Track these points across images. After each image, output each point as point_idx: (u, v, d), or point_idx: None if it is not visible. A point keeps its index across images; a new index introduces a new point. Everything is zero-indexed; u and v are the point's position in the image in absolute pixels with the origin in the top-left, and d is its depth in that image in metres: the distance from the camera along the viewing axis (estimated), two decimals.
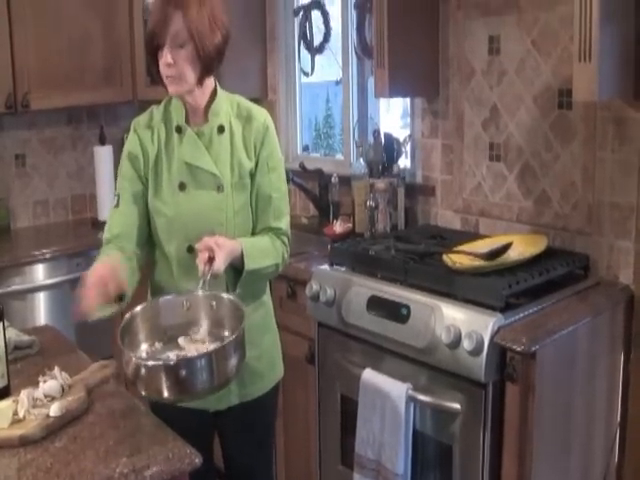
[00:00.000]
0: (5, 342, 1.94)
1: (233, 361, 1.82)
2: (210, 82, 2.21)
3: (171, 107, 2.24)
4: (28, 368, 2.15)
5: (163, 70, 2.09)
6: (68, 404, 1.84)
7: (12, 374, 1.99)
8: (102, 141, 4.25)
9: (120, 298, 2.02)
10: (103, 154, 4.14)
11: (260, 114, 2.27)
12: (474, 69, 3.08)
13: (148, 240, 2.26)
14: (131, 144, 2.24)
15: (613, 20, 2.29)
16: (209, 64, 2.12)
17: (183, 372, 1.72)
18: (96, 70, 4.03)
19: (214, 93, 2.23)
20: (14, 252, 3.75)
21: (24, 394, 1.84)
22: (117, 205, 2.22)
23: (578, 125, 2.74)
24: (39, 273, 3.65)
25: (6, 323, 1.98)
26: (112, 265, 1.97)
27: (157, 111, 2.26)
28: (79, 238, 3.96)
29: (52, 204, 4.33)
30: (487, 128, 3.05)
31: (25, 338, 2.30)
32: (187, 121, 2.21)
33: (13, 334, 2.27)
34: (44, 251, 3.67)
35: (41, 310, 3.64)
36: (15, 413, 1.79)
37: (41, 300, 3.64)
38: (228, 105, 2.24)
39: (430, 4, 3.16)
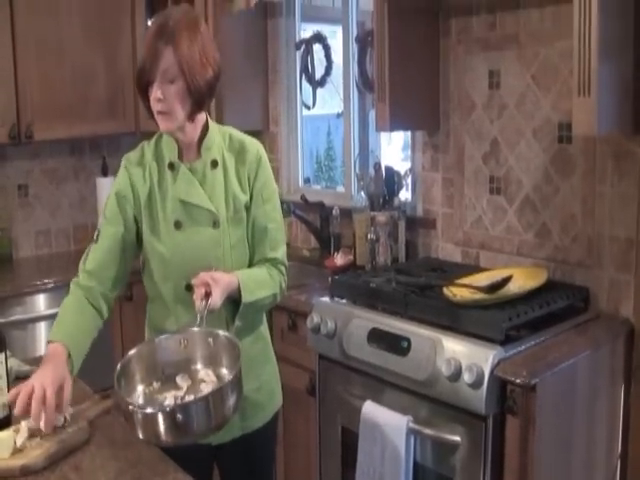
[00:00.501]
0: (7, 372, 1.94)
1: (231, 401, 1.80)
2: (201, 116, 2.18)
3: (162, 143, 2.21)
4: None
5: (153, 106, 2.06)
6: (68, 436, 1.84)
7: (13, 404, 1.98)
8: (104, 172, 4.28)
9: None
10: (105, 185, 4.15)
11: (252, 146, 2.24)
12: (474, 103, 3.11)
13: (124, 282, 2.23)
14: (121, 183, 2.20)
15: (611, 55, 2.32)
16: (200, 100, 2.09)
17: (180, 417, 1.70)
18: (99, 102, 4.05)
19: (205, 127, 2.20)
20: (16, 282, 3.75)
21: (25, 424, 1.84)
22: (96, 241, 2.18)
23: (578, 159, 2.76)
24: (40, 303, 3.64)
25: (8, 353, 1.98)
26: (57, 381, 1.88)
27: (148, 148, 2.23)
28: None
29: (54, 234, 4.34)
30: (487, 162, 3.08)
31: (26, 368, 2.29)
32: (179, 157, 2.19)
33: (15, 364, 2.27)
34: (46, 281, 3.66)
35: (42, 340, 3.62)
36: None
37: (42, 330, 3.63)
38: (220, 138, 2.22)
39: (431, 39, 3.20)
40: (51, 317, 3.59)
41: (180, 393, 1.87)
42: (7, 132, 3.72)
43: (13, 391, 1.84)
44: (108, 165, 4.28)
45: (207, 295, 1.98)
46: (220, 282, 2.01)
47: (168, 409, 1.75)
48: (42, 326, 3.63)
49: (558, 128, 2.82)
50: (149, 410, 1.77)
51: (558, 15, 2.77)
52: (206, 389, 1.85)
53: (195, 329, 1.97)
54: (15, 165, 4.16)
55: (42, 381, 1.82)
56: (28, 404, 1.79)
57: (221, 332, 1.98)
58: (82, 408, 1.99)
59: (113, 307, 2.24)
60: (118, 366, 1.88)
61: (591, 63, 2.25)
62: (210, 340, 1.97)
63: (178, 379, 1.92)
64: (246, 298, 2.10)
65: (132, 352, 1.95)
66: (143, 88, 2.07)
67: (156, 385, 1.94)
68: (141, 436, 1.76)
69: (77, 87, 3.96)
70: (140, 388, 1.93)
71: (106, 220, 2.19)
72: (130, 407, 1.76)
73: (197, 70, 2.05)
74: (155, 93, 2.03)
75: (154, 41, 2.03)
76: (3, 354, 1.92)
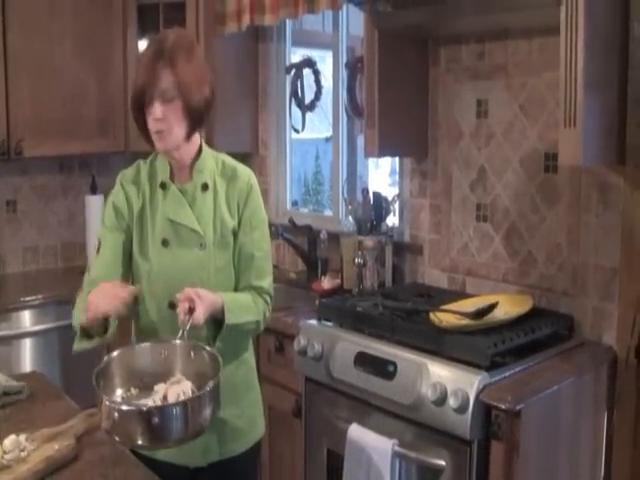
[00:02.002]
0: None
1: (207, 411, 1.80)
2: (196, 139, 2.21)
3: (157, 163, 2.24)
4: (17, 414, 2.16)
5: (152, 125, 2.08)
6: (55, 452, 1.85)
7: (0, 420, 1.99)
8: (93, 190, 4.28)
9: (104, 331, 2.02)
10: (94, 203, 4.17)
11: (244, 173, 2.27)
12: (462, 131, 3.15)
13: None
14: (116, 197, 2.24)
15: (597, 88, 2.37)
16: (197, 119, 2.12)
17: (156, 419, 1.71)
18: (89, 121, 4.07)
19: (199, 150, 2.23)
20: (2, 298, 3.75)
21: (8, 441, 1.84)
22: (98, 251, 2.22)
23: (563, 188, 2.81)
24: (26, 319, 3.64)
25: None
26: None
27: (144, 166, 2.27)
28: (68, 286, 3.91)
29: (42, 251, 4.34)
30: (475, 189, 3.12)
31: (14, 384, 2.30)
32: (172, 178, 2.22)
33: (3, 380, 2.27)
34: (32, 298, 3.67)
35: (27, 356, 3.62)
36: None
37: (27, 346, 3.62)
38: (213, 163, 2.25)
39: (420, 66, 3.24)
40: (36, 334, 3.62)
41: (158, 400, 1.85)
42: None
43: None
44: (97, 183, 4.29)
45: (191, 311, 1.98)
46: (204, 299, 2.02)
47: (144, 409, 1.75)
48: (27, 342, 3.63)
49: (544, 158, 2.86)
50: (126, 408, 1.79)
51: (545, 47, 2.82)
52: (183, 397, 1.85)
53: (177, 342, 1.97)
54: (4, 181, 4.17)
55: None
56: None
57: (204, 346, 1.98)
58: (69, 425, 2.00)
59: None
60: (99, 366, 1.89)
61: (577, 95, 2.29)
62: (191, 353, 1.97)
63: (156, 388, 1.91)
64: (229, 320, 2.10)
65: (114, 354, 1.96)
66: (139, 109, 2.09)
67: (134, 392, 1.95)
68: (117, 438, 1.77)
69: (68, 105, 3.98)
70: (119, 392, 1.94)
71: (106, 229, 2.23)
72: (107, 404, 1.76)
73: (194, 90, 2.08)
74: (155, 113, 2.05)
75: (152, 62, 2.06)
76: None
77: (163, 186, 2.21)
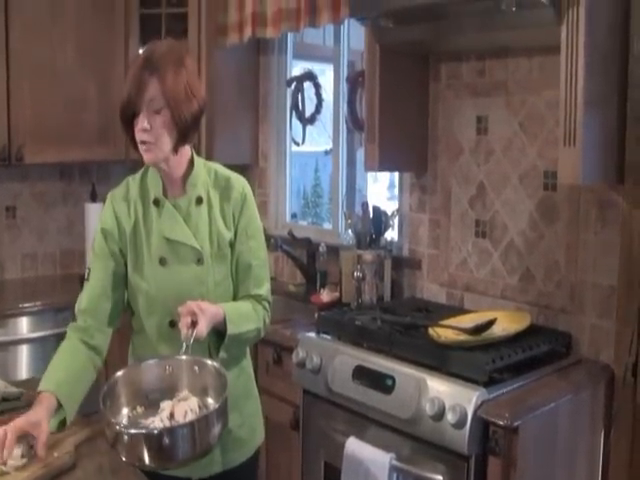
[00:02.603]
0: None
1: (216, 429, 1.80)
2: (186, 151, 2.18)
3: (147, 179, 2.21)
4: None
5: (139, 136, 2.04)
6: (54, 460, 1.85)
7: None
8: (93, 198, 4.28)
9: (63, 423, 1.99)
10: (94, 211, 4.15)
11: (238, 183, 2.25)
12: (462, 147, 3.17)
13: (120, 314, 2.24)
14: (106, 219, 2.21)
15: (597, 107, 2.39)
16: (185, 131, 2.09)
17: (166, 440, 1.71)
18: (90, 128, 4.07)
19: (191, 163, 2.20)
20: (0, 304, 3.73)
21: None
22: (87, 279, 2.20)
23: (562, 206, 2.83)
24: (23, 326, 3.63)
25: None
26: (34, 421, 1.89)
27: (133, 183, 2.23)
28: (66, 293, 3.93)
29: (41, 258, 4.34)
30: (474, 205, 3.14)
31: (13, 390, 2.30)
32: (164, 193, 2.19)
33: (2, 386, 2.28)
34: (30, 304, 3.67)
35: (23, 363, 3.62)
36: None
37: (24, 353, 3.62)
38: (205, 174, 2.22)
39: (421, 82, 3.27)
40: (33, 340, 3.61)
41: (166, 418, 1.85)
42: None
43: None
44: (97, 191, 4.29)
45: (193, 324, 1.98)
46: (207, 312, 2.01)
47: (155, 432, 1.75)
48: (24, 349, 3.62)
49: (544, 175, 2.88)
50: (136, 431, 1.78)
51: (545, 65, 2.85)
52: (191, 416, 1.84)
53: (181, 357, 1.97)
54: (4, 187, 4.17)
55: (8, 426, 1.85)
56: None
57: (208, 361, 1.99)
58: (68, 433, 2.01)
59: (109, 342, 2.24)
60: (105, 387, 1.89)
61: (577, 114, 2.32)
62: (196, 368, 1.97)
63: (162, 405, 1.91)
64: (231, 330, 2.10)
65: (119, 374, 1.96)
66: (128, 119, 2.06)
67: (140, 410, 1.95)
68: (124, 458, 1.77)
69: (69, 112, 3.99)
70: (125, 411, 1.94)
71: (95, 256, 2.21)
72: (117, 427, 1.76)
73: (182, 102, 2.05)
74: (141, 123, 2.02)
75: (139, 72, 2.04)
76: None
77: (156, 203, 2.18)
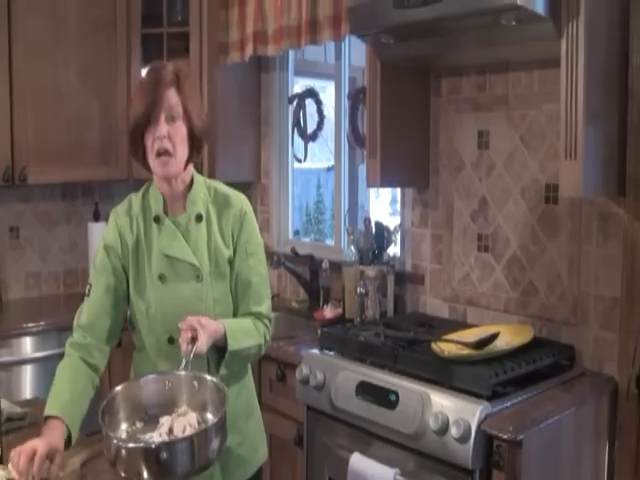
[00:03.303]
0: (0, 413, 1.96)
1: (215, 444, 1.80)
2: (189, 168, 2.20)
3: (149, 196, 2.23)
4: (20, 440, 2.14)
5: (158, 144, 2.05)
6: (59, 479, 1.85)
7: (3, 445, 1.99)
8: (96, 217, 4.30)
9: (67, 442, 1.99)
10: (97, 230, 4.17)
11: (237, 201, 2.26)
12: (464, 162, 3.18)
13: (119, 332, 2.24)
14: (109, 235, 2.22)
15: (597, 120, 2.40)
16: (198, 145, 2.14)
17: (164, 455, 1.70)
18: (93, 148, 4.10)
19: (191, 180, 2.22)
20: (3, 324, 3.74)
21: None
22: (88, 295, 2.20)
23: (564, 219, 2.83)
24: (27, 346, 3.64)
25: None
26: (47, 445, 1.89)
27: (136, 199, 2.25)
28: (70, 312, 3.84)
29: (44, 277, 4.35)
30: (476, 219, 3.14)
31: (18, 410, 2.31)
32: (165, 210, 2.21)
33: (7, 405, 2.28)
34: (33, 324, 3.67)
35: (27, 383, 3.62)
36: None
37: (27, 373, 3.62)
38: (205, 191, 2.24)
39: (422, 97, 3.28)
40: (37, 360, 3.61)
41: (164, 433, 1.85)
42: (1, 174, 3.76)
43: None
44: (100, 210, 4.31)
45: (193, 340, 1.98)
46: (207, 327, 2.01)
47: (153, 446, 1.75)
48: (27, 369, 3.62)
49: (545, 189, 2.89)
50: (133, 445, 1.78)
51: (545, 79, 2.86)
52: (189, 431, 1.84)
53: (180, 372, 1.97)
54: (7, 207, 4.19)
55: (35, 443, 1.85)
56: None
57: (207, 376, 1.99)
58: (73, 452, 2.01)
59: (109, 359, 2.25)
60: (104, 402, 1.89)
61: (578, 127, 2.33)
62: (195, 383, 1.97)
63: (162, 420, 1.90)
64: (232, 346, 2.10)
65: (118, 389, 1.96)
66: (139, 135, 2.08)
67: (139, 425, 1.94)
68: (123, 474, 1.76)
69: (72, 132, 4.01)
70: (124, 426, 1.94)
71: (96, 272, 2.21)
72: (115, 442, 1.76)
73: (197, 114, 2.11)
74: (160, 130, 2.04)
75: (155, 85, 2.07)
76: None
77: (157, 220, 2.19)
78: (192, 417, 1.88)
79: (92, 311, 2.18)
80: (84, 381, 2.12)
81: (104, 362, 2.20)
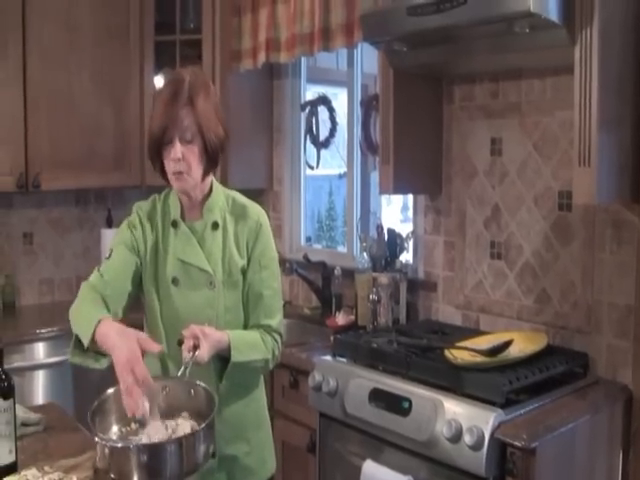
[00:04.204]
0: (15, 418, 1.96)
1: (202, 449, 1.79)
2: (208, 178, 2.20)
3: (169, 200, 2.24)
4: (34, 445, 2.17)
5: (172, 166, 2.08)
6: None
7: (18, 451, 2.00)
8: (109, 223, 4.33)
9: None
10: (110, 236, 4.16)
11: (254, 212, 2.25)
12: (476, 169, 3.18)
13: (131, 301, 2.20)
14: (133, 221, 2.22)
15: (611, 127, 2.39)
16: (214, 158, 2.13)
17: (149, 456, 1.70)
18: (106, 154, 4.12)
19: (210, 188, 2.23)
20: (17, 329, 3.77)
21: (30, 473, 1.86)
22: (109, 257, 2.17)
23: (577, 226, 2.82)
24: (40, 351, 3.66)
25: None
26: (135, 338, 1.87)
27: (159, 202, 2.26)
28: None
29: (57, 283, 4.38)
30: (489, 227, 3.14)
31: (32, 416, 2.32)
32: (182, 216, 2.21)
33: (20, 411, 2.29)
34: (46, 330, 3.69)
35: (40, 388, 3.64)
36: None
37: (40, 378, 3.64)
38: (224, 200, 2.24)
39: (434, 104, 3.28)
40: (50, 366, 3.62)
41: (153, 434, 1.84)
42: (15, 181, 3.80)
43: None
44: (113, 217, 4.33)
45: (195, 348, 1.97)
46: (210, 337, 2.00)
47: (135, 445, 1.75)
48: (40, 374, 3.64)
49: (558, 196, 2.88)
50: (116, 444, 1.78)
51: (558, 86, 2.86)
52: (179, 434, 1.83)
53: (178, 378, 1.95)
54: (21, 213, 4.22)
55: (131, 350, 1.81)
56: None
57: (200, 383, 1.96)
58: (88, 456, 2.01)
59: None
60: (95, 403, 1.87)
61: (591, 134, 2.32)
62: (192, 391, 1.96)
63: (155, 422, 1.89)
64: (235, 357, 2.08)
65: (110, 391, 1.93)
66: (158, 149, 2.09)
67: (134, 426, 1.91)
68: (112, 475, 1.74)
69: (85, 139, 4.04)
70: (115, 428, 1.92)
71: (119, 242, 2.18)
72: (97, 440, 1.75)
73: (213, 129, 2.10)
74: (175, 154, 2.05)
75: (171, 102, 2.06)
76: (11, 400, 1.94)
77: (174, 224, 2.20)
78: (184, 422, 1.88)
79: (115, 270, 2.14)
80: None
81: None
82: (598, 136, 2.32)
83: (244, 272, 2.21)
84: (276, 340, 2.23)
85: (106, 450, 1.74)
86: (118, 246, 2.19)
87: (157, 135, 2.07)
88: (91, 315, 1.96)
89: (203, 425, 1.80)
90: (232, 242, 2.20)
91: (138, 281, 2.21)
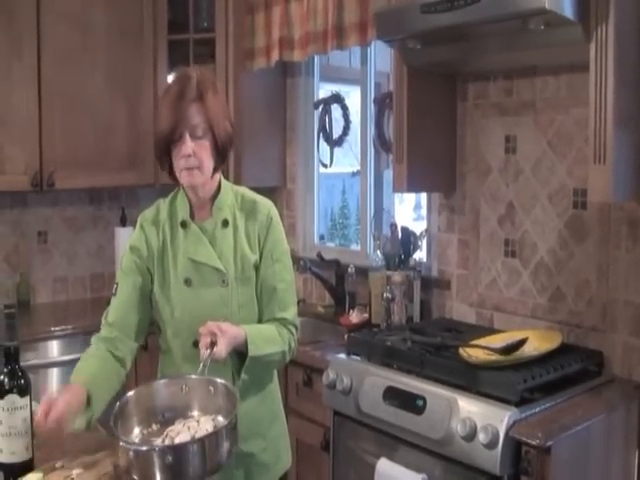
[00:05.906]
0: (31, 415, 1.96)
1: (225, 447, 1.78)
2: (217, 176, 2.21)
3: (177, 202, 2.24)
4: (49, 442, 2.17)
5: (183, 162, 2.07)
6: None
7: (34, 448, 2.00)
8: (123, 222, 4.34)
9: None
10: (124, 235, 4.19)
11: (264, 206, 2.25)
12: (491, 167, 3.17)
13: (145, 330, 2.25)
14: (136, 239, 2.24)
15: (627, 124, 2.37)
16: (224, 154, 2.14)
17: (171, 458, 1.70)
18: (120, 153, 4.14)
19: (218, 186, 2.23)
20: (32, 327, 3.77)
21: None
22: (115, 294, 2.22)
23: (592, 224, 2.81)
24: (54, 349, 3.68)
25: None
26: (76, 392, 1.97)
27: (163, 206, 2.26)
28: (96, 316, 3.86)
29: (71, 281, 4.40)
30: (503, 225, 3.13)
31: None
32: (192, 215, 2.22)
33: (36, 408, 2.29)
34: (60, 328, 3.71)
35: (54, 386, 3.64)
36: None
37: (54, 376, 3.65)
38: (232, 197, 2.24)
39: (448, 102, 3.27)
40: (64, 363, 3.62)
41: (174, 435, 1.84)
42: (30, 180, 3.82)
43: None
44: (127, 215, 4.35)
45: (212, 345, 1.98)
46: (227, 333, 2.01)
47: (159, 448, 1.75)
48: (54, 372, 3.65)
49: (573, 194, 2.87)
50: (141, 448, 1.78)
51: (573, 83, 2.84)
52: (201, 434, 1.83)
53: (197, 376, 1.96)
54: (35, 212, 4.24)
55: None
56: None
57: (221, 381, 1.96)
58: (106, 453, 2.00)
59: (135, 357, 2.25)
60: (116, 406, 1.88)
61: (607, 132, 2.31)
62: (211, 388, 1.96)
63: (177, 423, 1.90)
64: (252, 352, 2.09)
65: (130, 394, 1.95)
66: (165, 148, 2.09)
67: (155, 427, 1.93)
68: (135, 476, 1.75)
69: (99, 138, 4.05)
70: (137, 430, 1.93)
71: (123, 272, 2.23)
72: (121, 443, 1.75)
73: (222, 124, 2.11)
74: (186, 149, 2.05)
75: (179, 100, 2.07)
76: (27, 397, 1.95)
77: (184, 225, 2.20)
78: (205, 421, 1.88)
79: (120, 308, 2.20)
80: (109, 368, 2.13)
81: (131, 358, 2.20)
82: (614, 133, 2.30)
83: (257, 267, 2.22)
84: (292, 332, 2.24)
85: (130, 454, 1.74)
86: (121, 278, 2.23)
87: (166, 132, 2.07)
88: (78, 371, 2.07)
89: (226, 423, 1.80)
90: (243, 238, 2.21)
91: (148, 301, 2.24)
